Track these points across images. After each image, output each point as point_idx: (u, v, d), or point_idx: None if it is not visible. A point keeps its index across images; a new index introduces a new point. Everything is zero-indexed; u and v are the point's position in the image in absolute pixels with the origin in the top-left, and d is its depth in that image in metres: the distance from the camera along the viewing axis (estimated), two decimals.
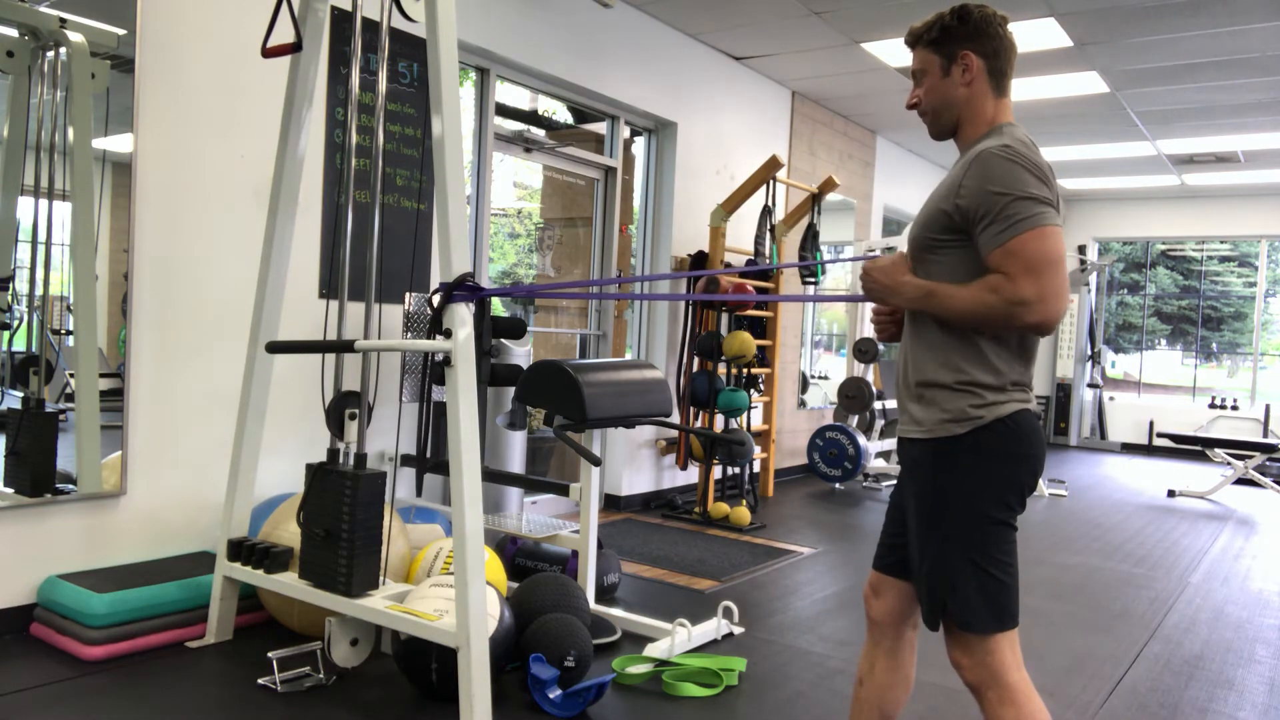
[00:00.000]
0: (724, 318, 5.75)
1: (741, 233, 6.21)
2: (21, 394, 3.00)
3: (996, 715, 1.76)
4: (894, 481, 7.15)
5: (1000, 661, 1.76)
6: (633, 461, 5.73)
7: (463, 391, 2.41)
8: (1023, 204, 1.65)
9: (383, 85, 2.80)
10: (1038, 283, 1.63)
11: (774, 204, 5.90)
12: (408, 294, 4.07)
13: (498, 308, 5.68)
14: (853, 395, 6.96)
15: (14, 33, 2.89)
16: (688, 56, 5.88)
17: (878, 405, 7.24)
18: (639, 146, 5.92)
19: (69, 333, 3.08)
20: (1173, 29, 5.25)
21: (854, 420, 7.19)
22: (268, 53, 2.83)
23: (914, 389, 1.84)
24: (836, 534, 5.31)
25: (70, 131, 3.02)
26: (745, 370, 5.80)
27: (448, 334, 2.42)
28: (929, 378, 1.80)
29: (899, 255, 1.89)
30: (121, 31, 3.09)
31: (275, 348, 2.90)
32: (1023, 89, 6.58)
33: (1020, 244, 1.64)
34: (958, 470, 1.76)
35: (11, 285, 2.95)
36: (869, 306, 8.45)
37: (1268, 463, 8.07)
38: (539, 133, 5.12)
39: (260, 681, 2.69)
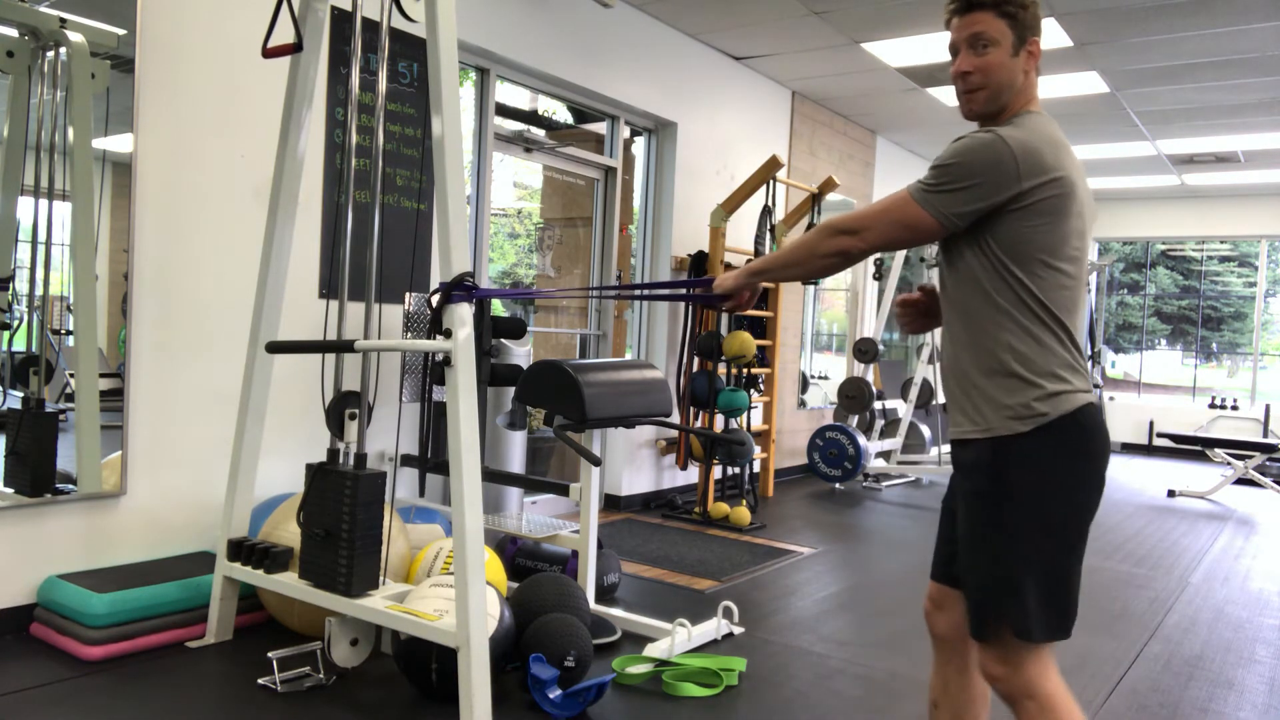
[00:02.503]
0: (724, 317, 5.75)
1: (741, 233, 6.20)
2: (21, 394, 3.00)
3: None
4: (894, 481, 7.19)
5: (1040, 670, 1.70)
6: (633, 461, 5.73)
7: (463, 391, 2.41)
8: (932, 171, 1.71)
9: (383, 85, 2.80)
10: (863, 219, 1.75)
11: (774, 204, 5.90)
12: (408, 294, 4.07)
13: (498, 308, 5.68)
14: (853, 395, 6.97)
15: (14, 33, 2.89)
16: (688, 56, 5.88)
17: (878, 405, 7.24)
18: (639, 146, 5.92)
19: (69, 333, 3.08)
20: (1173, 29, 5.25)
21: (854, 420, 7.19)
22: (268, 53, 2.83)
23: (966, 383, 1.75)
24: (836, 534, 5.31)
25: (70, 131, 3.02)
26: (745, 370, 5.80)
27: (448, 334, 2.42)
28: (983, 367, 1.72)
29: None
30: (121, 31, 3.09)
31: (275, 348, 2.90)
32: None
33: (884, 199, 1.76)
34: (1022, 470, 1.67)
35: (11, 285, 2.95)
36: (865, 302, 8.41)
37: (1268, 463, 8.07)
38: (539, 133, 5.12)
39: (260, 681, 2.69)
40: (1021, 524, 1.67)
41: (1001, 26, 1.74)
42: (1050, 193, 1.66)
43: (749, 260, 1.79)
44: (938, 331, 7.49)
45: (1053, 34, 5.39)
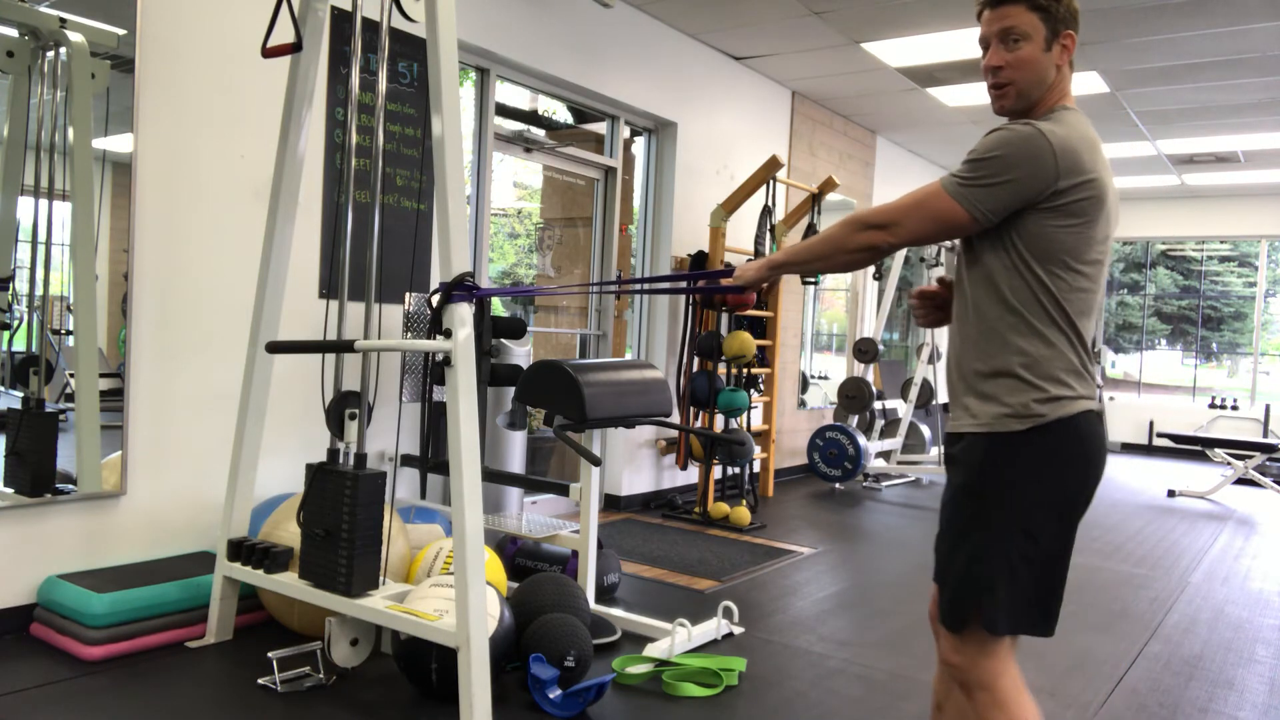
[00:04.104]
0: (724, 317, 5.75)
1: (741, 233, 6.20)
2: (21, 394, 3.00)
3: (988, 717, 1.72)
4: (894, 481, 7.18)
5: (995, 664, 1.72)
6: (633, 461, 5.73)
7: (463, 392, 2.41)
8: (966, 164, 1.68)
9: (383, 85, 2.80)
10: (894, 213, 1.72)
11: (774, 204, 5.90)
12: (408, 294, 4.07)
13: (498, 308, 5.68)
14: (853, 395, 6.96)
15: (14, 33, 2.89)
16: (688, 56, 5.88)
17: (878, 405, 7.24)
18: (639, 146, 5.92)
19: (69, 333, 3.08)
20: (1173, 29, 5.26)
21: (854, 420, 7.19)
22: (268, 53, 2.83)
23: (969, 379, 1.74)
24: (836, 534, 5.31)
25: (70, 131, 3.02)
26: (745, 370, 5.80)
27: (448, 334, 2.42)
28: (988, 365, 1.71)
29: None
30: (121, 31, 3.09)
31: (275, 348, 2.90)
32: None
33: (915, 191, 1.73)
34: (1012, 470, 1.67)
35: (11, 285, 2.95)
36: (867, 300, 8.40)
37: (1268, 463, 8.07)
38: (539, 133, 5.12)
39: (260, 681, 2.69)
40: (1004, 523, 1.68)
41: (1033, 20, 1.71)
42: (1083, 195, 1.63)
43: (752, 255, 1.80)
44: (938, 330, 7.46)
45: None
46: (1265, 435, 9.80)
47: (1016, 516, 1.67)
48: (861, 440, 6.63)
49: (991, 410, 1.69)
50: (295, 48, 2.86)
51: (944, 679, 1.93)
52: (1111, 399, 11.00)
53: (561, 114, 5.79)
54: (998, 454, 1.69)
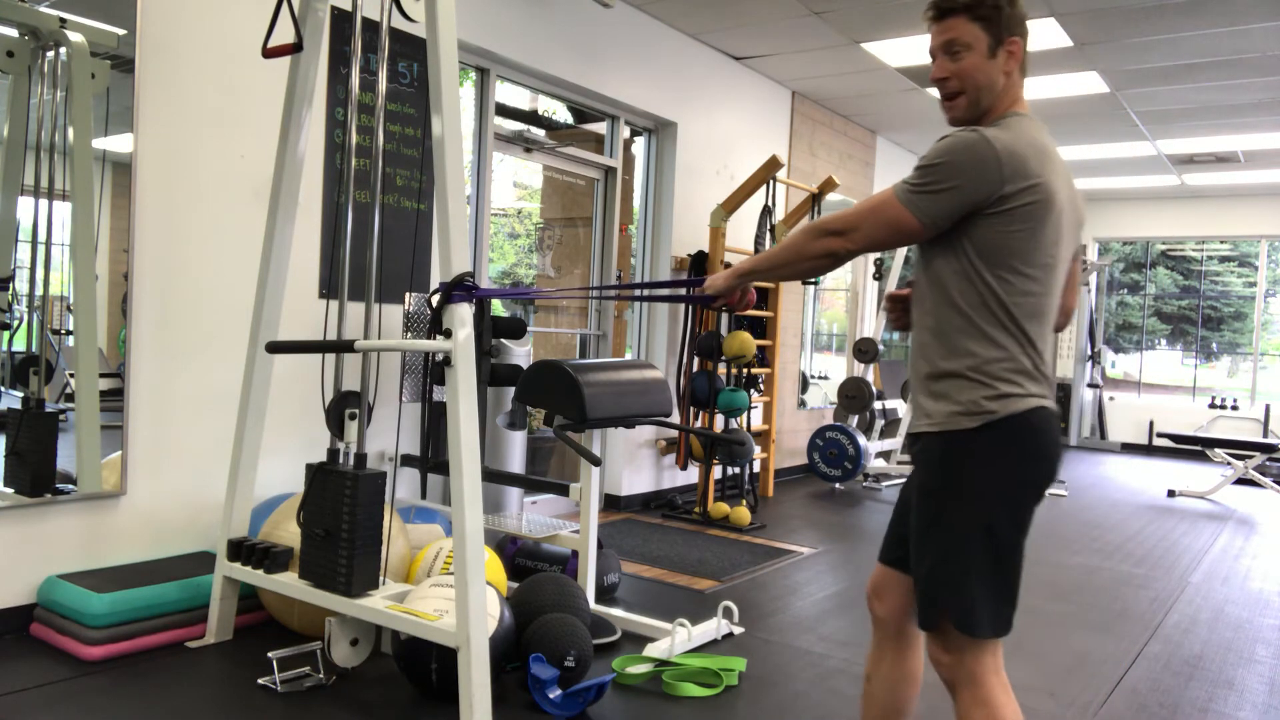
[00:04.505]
0: (724, 318, 5.75)
1: (741, 233, 6.21)
2: (21, 394, 3.00)
3: (969, 715, 1.74)
4: (894, 481, 7.18)
5: (981, 664, 1.73)
6: (633, 461, 5.73)
7: (463, 392, 2.41)
8: (916, 171, 1.71)
9: (383, 85, 2.80)
10: (851, 219, 1.74)
11: (774, 204, 5.90)
12: (408, 294, 4.07)
13: (498, 308, 5.67)
14: (853, 395, 6.97)
15: (14, 33, 2.89)
16: (688, 56, 5.88)
17: (878, 405, 7.24)
18: (639, 146, 5.92)
19: (69, 333, 3.08)
20: (1173, 29, 5.26)
21: (854, 420, 7.19)
22: (268, 53, 2.83)
23: (924, 380, 1.79)
24: (836, 534, 5.31)
25: (70, 131, 3.02)
26: (745, 370, 5.80)
27: (448, 334, 2.42)
28: (939, 367, 1.75)
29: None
30: (121, 31, 3.09)
31: (275, 348, 2.90)
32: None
33: (872, 198, 1.76)
34: (967, 467, 1.70)
35: (11, 285, 2.95)
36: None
37: (1268, 463, 8.07)
38: (539, 133, 5.12)
39: (260, 681, 2.69)
40: (964, 520, 1.71)
41: (975, 30, 1.75)
42: (1030, 199, 1.66)
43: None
44: None
45: (1053, 34, 5.39)
46: (1265, 435, 9.80)
47: (975, 514, 1.70)
48: (861, 440, 6.63)
49: (944, 409, 1.73)
50: (295, 48, 2.86)
51: (876, 652, 2.00)
52: (1112, 399, 11.00)
53: (561, 114, 5.78)
54: (953, 452, 1.72)
